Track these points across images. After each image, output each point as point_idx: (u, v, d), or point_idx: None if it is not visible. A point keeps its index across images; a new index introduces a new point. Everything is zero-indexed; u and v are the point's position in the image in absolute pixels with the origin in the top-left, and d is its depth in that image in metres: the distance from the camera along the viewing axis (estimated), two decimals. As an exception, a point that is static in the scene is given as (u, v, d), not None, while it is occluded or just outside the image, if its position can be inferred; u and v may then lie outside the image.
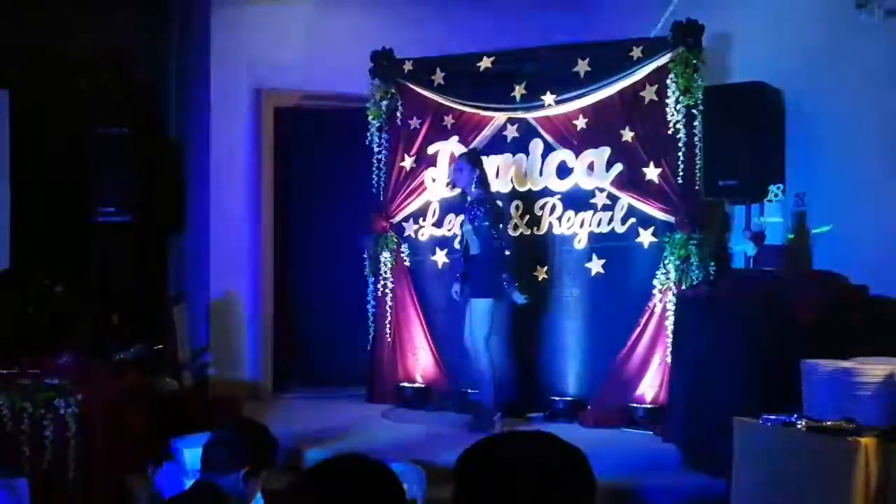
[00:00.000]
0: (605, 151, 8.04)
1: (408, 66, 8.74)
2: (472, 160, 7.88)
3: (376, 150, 8.83)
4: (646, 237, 7.88)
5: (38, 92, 9.01)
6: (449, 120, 8.63)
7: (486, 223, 7.61)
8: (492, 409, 7.61)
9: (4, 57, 8.89)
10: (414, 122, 8.73)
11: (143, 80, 9.58)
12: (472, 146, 8.46)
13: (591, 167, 8.11)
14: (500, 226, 7.89)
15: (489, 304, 7.63)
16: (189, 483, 4.27)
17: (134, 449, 6.53)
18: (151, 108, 9.65)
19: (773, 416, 5.01)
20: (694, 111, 7.59)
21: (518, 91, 8.27)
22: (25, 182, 8.85)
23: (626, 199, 7.98)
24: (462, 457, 2.39)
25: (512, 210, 8.39)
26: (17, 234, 8.76)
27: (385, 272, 8.73)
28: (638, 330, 7.74)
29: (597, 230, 8.11)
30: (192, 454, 5.93)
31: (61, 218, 8.97)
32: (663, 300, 7.63)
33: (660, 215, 7.80)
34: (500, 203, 8.13)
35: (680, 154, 7.63)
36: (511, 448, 2.40)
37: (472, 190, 7.79)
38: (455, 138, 8.59)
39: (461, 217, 8.04)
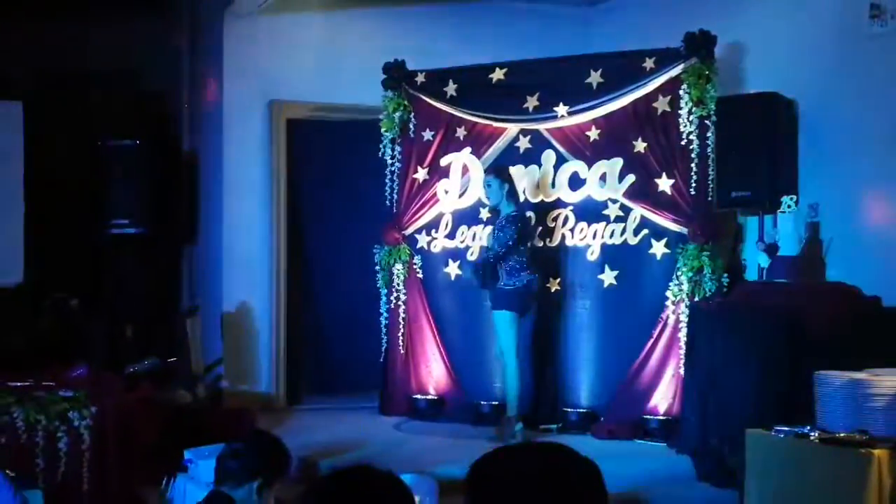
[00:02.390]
0: (618, 162, 8.03)
1: (420, 78, 8.76)
2: (500, 175, 7.90)
3: (389, 161, 8.84)
4: (659, 248, 7.86)
5: (50, 104, 9.05)
6: (462, 131, 8.64)
7: (510, 244, 7.65)
8: (514, 418, 7.63)
9: (17, 70, 8.93)
10: (427, 134, 8.74)
11: (156, 91, 9.61)
12: (483, 157, 8.49)
13: (603, 178, 8.10)
14: (529, 243, 7.96)
15: (510, 317, 7.67)
16: (203, 495, 4.27)
17: (148, 461, 6.54)
18: (164, 119, 9.68)
19: (785, 428, 5.00)
20: (707, 122, 7.59)
21: (530, 102, 8.27)
22: (39, 195, 8.88)
23: (638, 211, 7.97)
24: (474, 467, 2.39)
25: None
26: (30, 247, 8.79)
27: (398, 284, 8.73)
28: (651, 342, 7.73)
29: (609, 241, 8.09)
30: (205, 466, 5.93)
31: (75, 230, 9.00)
32: (676, 312, 7.61)
33: (673, 226, 7.79)
34: (530, 216, 8.19)
35: (693, 165, 7.63)
36: (523, 459, 2.40)
37: (503, 205, 7.81)
38: (468, 150, 8.60)
39: (488, 228, 8.06)
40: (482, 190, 8.11)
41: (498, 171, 8.02)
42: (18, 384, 6.63)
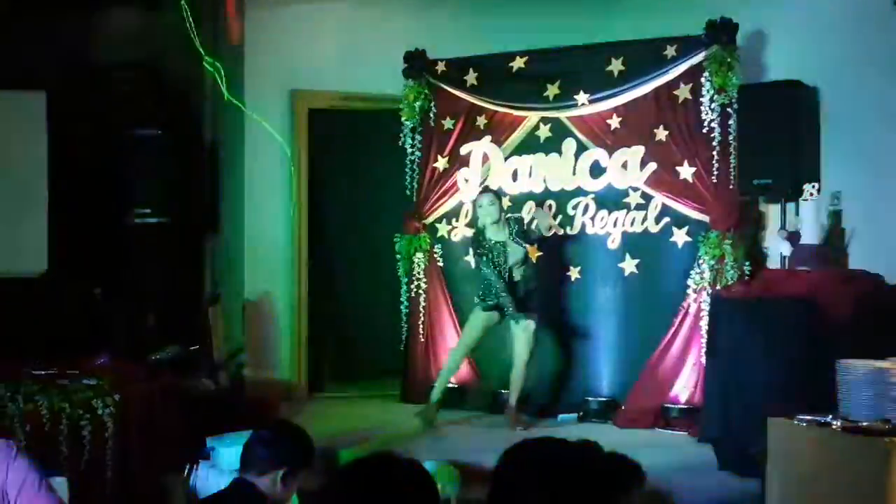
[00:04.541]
0: (639, 150, 8.02)
1: (441, 67, 8.76)
2: (497, 193, 7.98)
3: (409, 150, 8.85)
4: (680, 236, 7.85)
5: (73, 94, 9.07)
6: (482, 120, 8.64)
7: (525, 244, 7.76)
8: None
9: (40, 60, 8.95)
10: (447, 123, 8.75)
11: (177, 81, 9.62)
12: (504, 145, 8.52)
13: (624, 166, 8.10)
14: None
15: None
16: (225, 483, 4.30)
17: (171, 449, 6.58)
18: (186, 109, 9.69)
19: (807, 417, 4.99)
20: (728, 110, 7.57)
21: (551, 91, 8.27)
22: (62, 184, 8.91)
23: (659, 199, 7.96)
24: (502, 457, 2.41)
25: (545, 209, 8.40)
26: (54, 236, 8.83)
27: (418, 273, 8.75)
28: (672, 330, 7.72)
29: (630, 230, 8.09)
30: (228, 453, 5.97)
31: (98, 219, 9.02)
32: (698, 300, 7.61)
33: (694, 214, 7.78)
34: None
35: (714, 153, 7.61)
36: (551, 452, 2.42)
37: (501, 223, 7.81)
38: (488, 138, 8.61)
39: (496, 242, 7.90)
40: (485, 208, 7.91)
41: (493, 189, 8.05)
42: (42, 372, 6.68)
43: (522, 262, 7.79)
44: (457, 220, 8.72)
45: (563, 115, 8.35)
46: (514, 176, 8.53)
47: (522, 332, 7.66)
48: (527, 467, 2.39)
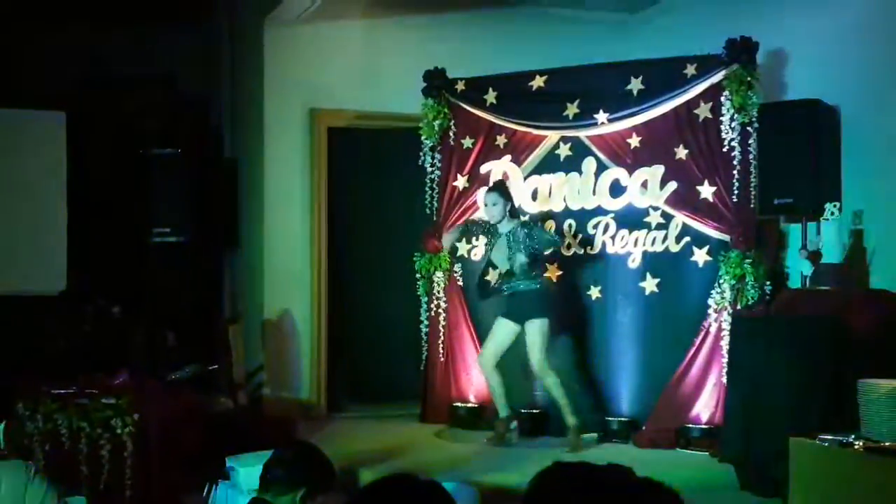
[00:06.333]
0: (659, 169, 8.00)
1: (460, 86, 8.76)
2: (504, 193, 7.85)
3: (429, 169, 8.84)
4: (701, 256, 7.82)
5: (92, 114, 9.13)
6: (502, 139, 8.63)
7: (538, 246, 7.65)
8: (507, 419, 7.82)
9: (59, 80, 9.01)
10: (467, 142, 8.74)
11: (196, 99, 9.67)
12: (524, 164, 8.49)
13: (644, 185, 8.07)
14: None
15: (548, 324, 7.65)
16: (244, 502, 4.29)
17: (190, 468, 6.57)
18: (205, 127, 9.74)
19: (829, 437, 4.96)
20: (749, 129, 7.54)
21: (571, 109, 8.25)
22: (81, 203, 8.96)
23: (680, 218, 7.93)
24: (535, 480, 2.39)
25: (565, 229, 8.37)
26: (73, 255, 8.87)
27: (438, 292, 8.73)
28: (693, 350, 7.68)
29: (651, 249, 8.05)
30: (247, 473, 5.95)
31: (117, 238, 9.07)
32: (719, 320, 7.57)
33: (715, 234, 7.74)
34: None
35: (735, 172, 7.58)
36: (586, 477, 2.40)
37: (505, 222, 7.74)
38: (508, 157, 8.59)
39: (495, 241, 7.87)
40: (486, 207, 7.85)
41: (502, 188, 7.93)
42: (61, 391, 6.69)
43: (516, 266, 7.68)
44: (476, 239, 8.69)
45: (582, 134, 8.33)
46: (534, 195, 8.51)
47: (528, 335, 7.62)
48: (561, 492, 2.37)
